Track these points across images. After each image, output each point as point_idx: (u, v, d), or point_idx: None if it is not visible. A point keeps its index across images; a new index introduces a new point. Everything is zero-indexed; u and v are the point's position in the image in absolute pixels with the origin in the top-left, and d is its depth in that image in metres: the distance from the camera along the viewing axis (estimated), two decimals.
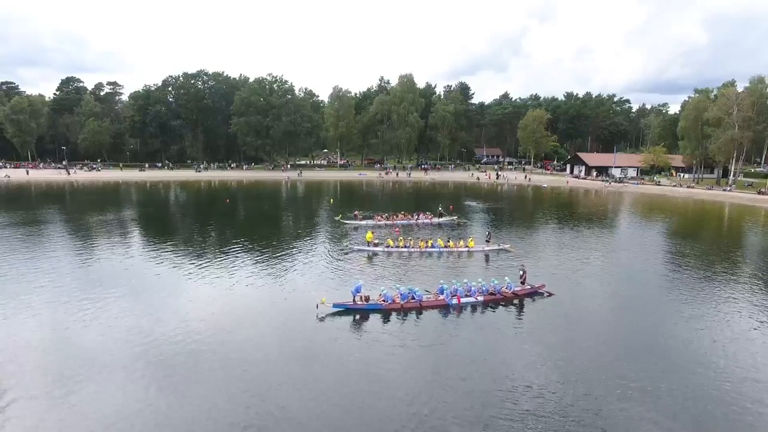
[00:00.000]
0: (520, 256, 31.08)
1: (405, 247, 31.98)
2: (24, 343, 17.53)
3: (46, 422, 13.00)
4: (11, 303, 21.32)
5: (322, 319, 20.03)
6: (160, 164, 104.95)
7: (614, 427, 12.94)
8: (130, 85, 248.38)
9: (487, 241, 33.58)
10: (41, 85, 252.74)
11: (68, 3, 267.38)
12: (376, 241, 32.70)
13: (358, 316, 20.41)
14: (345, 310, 20.72)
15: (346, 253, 31.44)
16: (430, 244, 32.25)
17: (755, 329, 19.78)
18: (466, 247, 32.40)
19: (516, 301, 22.56)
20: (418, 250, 31.76)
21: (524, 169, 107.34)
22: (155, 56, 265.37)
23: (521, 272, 24.11)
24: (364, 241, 33.06)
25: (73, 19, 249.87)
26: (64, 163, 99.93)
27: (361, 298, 21.05)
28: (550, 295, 23.47)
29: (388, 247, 31.93)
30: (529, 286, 23.59)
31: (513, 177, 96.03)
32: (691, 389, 14.87)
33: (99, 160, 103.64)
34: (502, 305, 22.12)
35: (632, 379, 15.30)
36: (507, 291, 22.86)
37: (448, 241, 33.00)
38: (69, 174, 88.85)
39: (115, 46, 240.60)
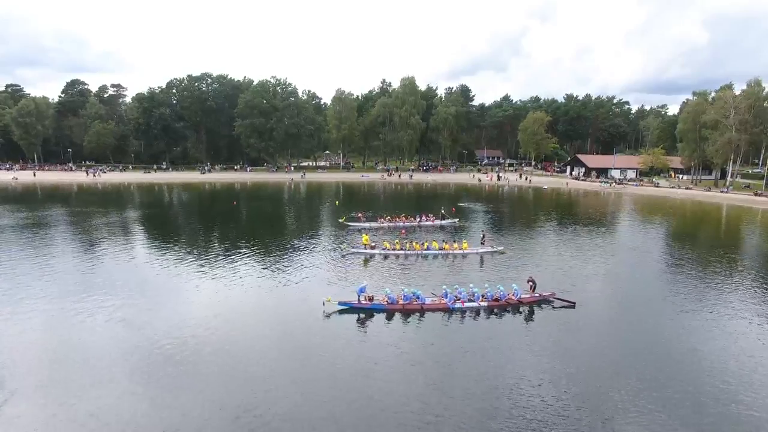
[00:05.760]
0: (516, 259, 32.05)
1: (401, 249, 32.78)
2: (27, 343, 18.07)
3: (47, 422, 13.35)
4: (15, 303, 22.00)
5: (327, 317, 21.04)
6: (165, 166, 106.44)
7: None
8: (131, 86, 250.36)
9: (482, 243, 34.28)
10: (40, 85, 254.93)
11: (68, 3, 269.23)
12: (373, 244, 33.52)
13: (362, 315, 21.38)
14: (349, 309, 21.76)
15: (344, 256, 32.17)
16: (425, 246, 33.04)
17: (755, 329, 20.33)
18: (461, 249, 33.15)
19: (521, 308, 22.57)
20: (414, 252, 32.58)
21: (522, 172, 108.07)
22: (156, 57, 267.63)
23: (530, 284, 23.69)
24: (360, 244, 33.82)
25: (73, 19, 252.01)
26: (69, 165, 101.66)
27: (365, 297, 22.07)
28: (571, 303, 22.89)
29: (384, 249, 32.72)
30: (537, 294, 23.32)
31: (514, 179, 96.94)
32: (693, 390, 15.26)
33: (95, 162, 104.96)
34: (507, 311, 22.20)
35: (635, 383, 15.64)
36: (513, 298, 22.82)
37: (443, 243, 33.84)
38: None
39: (115, 46, 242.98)
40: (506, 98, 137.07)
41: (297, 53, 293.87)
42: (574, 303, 22.92)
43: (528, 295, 23.31)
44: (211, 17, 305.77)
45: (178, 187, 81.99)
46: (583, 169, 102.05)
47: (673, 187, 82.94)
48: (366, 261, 31.29)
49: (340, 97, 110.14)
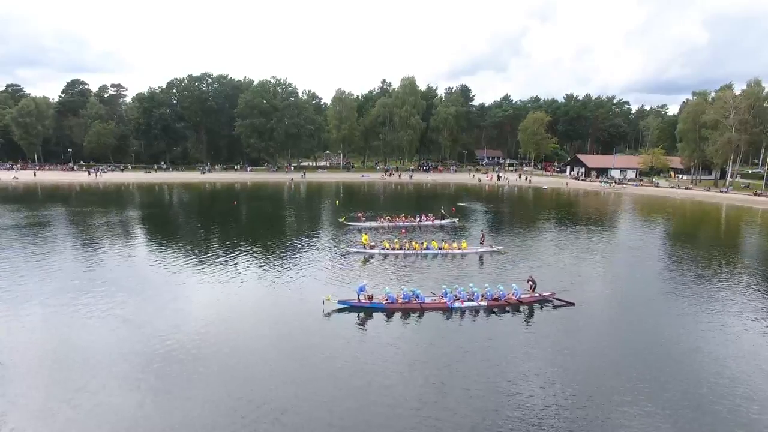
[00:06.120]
0: (515, 258, 32.08)
1: (400, 249, 32.78)
2: (27, 343, 18.07)
3: (46, 421, 13.33)
4: (15, 302, 22.01)
5: (327, 315, 21.10)
6: (165, 166, 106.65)
7: None
8: (131, 86, 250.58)
9: (481, 243, 34.28)
10: (40, 85, 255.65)
11: (68, 3, 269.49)
12: (372, 244, 33.56)
13: (361, 314, 21.42)
14: (349, 308, 21.83)
15: (343, 256, 32.24)
16: (425, 246, 33.05)
17: (756, 328, 20.31)
18: (460, 248, 33.15)
19: (521, 308, 22.53)
20: (413, 252, 32.59)
21: (522, 172, 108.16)
22: (156, 57, 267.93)
23: (530, 283, 23.62)
24: (360, 243, 33.84)
25: (73, 19, 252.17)
26: (71, 165, 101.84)
27: (365, 296, 22.11)
28: (570, 304, 22.85)
29: (383, 249, 32.73)
30: (537, 294, 23.28)
31: (514, 179, 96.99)
32: (693, 390, 15.25)
33: (95, 162, 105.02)
34: (507, 311, 22.16)
35: (635, 383, 15.59)
36: (512, 297, 22.79)
37: (443, 243, 33.87)
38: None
39: (115, 46, 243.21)
40: (506, 98, 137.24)
41: (297, 53, 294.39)
42: (574, 303, 22.88)
43: (528, 295, 23.26)
44: (211, 17, 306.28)
45: (178, 187, 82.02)
46: (583, 169, 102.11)
47: (672, 187, 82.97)
48: (365, 260, 31.32)
49: (340, 97, 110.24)
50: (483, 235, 35.27)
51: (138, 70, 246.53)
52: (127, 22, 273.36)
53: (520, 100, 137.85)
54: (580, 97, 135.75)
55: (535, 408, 14.11)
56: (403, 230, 40.31)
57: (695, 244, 40.25)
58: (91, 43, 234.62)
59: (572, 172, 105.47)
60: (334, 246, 35.30)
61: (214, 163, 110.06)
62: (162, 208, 60.46)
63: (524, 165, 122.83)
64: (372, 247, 32.97)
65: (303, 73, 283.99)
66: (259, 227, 45.56)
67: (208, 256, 31.44)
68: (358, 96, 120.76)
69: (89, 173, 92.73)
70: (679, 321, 21.31)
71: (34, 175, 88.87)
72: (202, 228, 44.42)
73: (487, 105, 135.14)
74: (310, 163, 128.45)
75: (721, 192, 74.58)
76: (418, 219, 44.91)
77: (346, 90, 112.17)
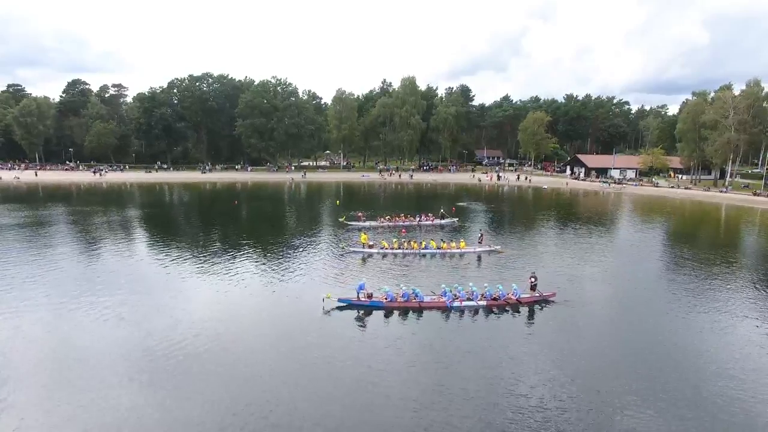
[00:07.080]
0: (514, 258, 32.16)
1: (399, 248, 32.89)
2: (27, 342, 18.14)
3: (46, 421, 13.37)
4: (16, 302, 22.02)
5: (327, 313, 21.25)
6: (166, 165, 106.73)
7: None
8: (132, 86, 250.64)
9: (480, 243, 34.43)
10: (40, 85, 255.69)
11: (68, 3, 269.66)
12: (371, 243, 33.72)
13: (361, 312, 21.55)
14: (348, 306, 21.97)
15: (342, 255, 32.38)
16: (423, 246, 33.16)
17: (756, 328, 20.38)
18: (459, 248, 33.28)
19: (520, 308, 22.58)
20: (412, 251, 32.70)
21: (522, 172, 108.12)
22: (156, 57, 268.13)
23: (532, 279, 23.66)
24: (359, 243, 33.96)
25: (73, 19, 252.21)
26: (70, 164, 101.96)
27: (364, 295, 22.23)
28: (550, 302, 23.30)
29: (382, 248, 32.87)
30: (538, 294, 23.32)
31: (514, 178, 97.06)
32: (693, 390, 15.32)
33: (96, 162, 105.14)
34: (506, 311, 22.27)
35: (635, 383, 15.65)
36: (512, 297, 22.90)
37: (441, 242, 34.01)
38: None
39: (115, 46, 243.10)
40: (506, 98, 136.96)
41: (297, 53, 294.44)
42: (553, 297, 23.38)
43: (527, 295, 23.31)
44: (211, 17, 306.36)
45: (178, 186, 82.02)
46: (582, 169, 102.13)
47: (672, 187, 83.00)
48: (364, 260, 31.44)
49: (341, 97, 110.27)
50: (482, 235, 35.42)
51: (138, 70, 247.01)
52: (127, 22, 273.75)
53: (520, 100, 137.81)
54: (580, 97, 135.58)
55: (534, 408, 14.17)
56: (403, 230, 40.44)
57: (695, 243, 40.33)
58: (91, 43, 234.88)
59: (572, 172, 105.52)
60: (334, 245, 35.40)
61: (215, 163, 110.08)
62: (163, 207, 60.53)
63: (524, 165, 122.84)
64: (371, 247, 33.10)
65: (303, 73, 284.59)
66: (259, 227, 45.66)
67: (208, 256, 31.56)
68: (358, 96, 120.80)
69: (94, 173, 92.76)
70: (679, 321, 21.37)
71: (36, 174, 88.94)
72: (203, 227, 44.57)
73: (487, 105, 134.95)
74: (311, 163, 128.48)
75: (721, 192, 74.63)
76: (418, 219, 45.01)
77: (347, 90, 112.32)
